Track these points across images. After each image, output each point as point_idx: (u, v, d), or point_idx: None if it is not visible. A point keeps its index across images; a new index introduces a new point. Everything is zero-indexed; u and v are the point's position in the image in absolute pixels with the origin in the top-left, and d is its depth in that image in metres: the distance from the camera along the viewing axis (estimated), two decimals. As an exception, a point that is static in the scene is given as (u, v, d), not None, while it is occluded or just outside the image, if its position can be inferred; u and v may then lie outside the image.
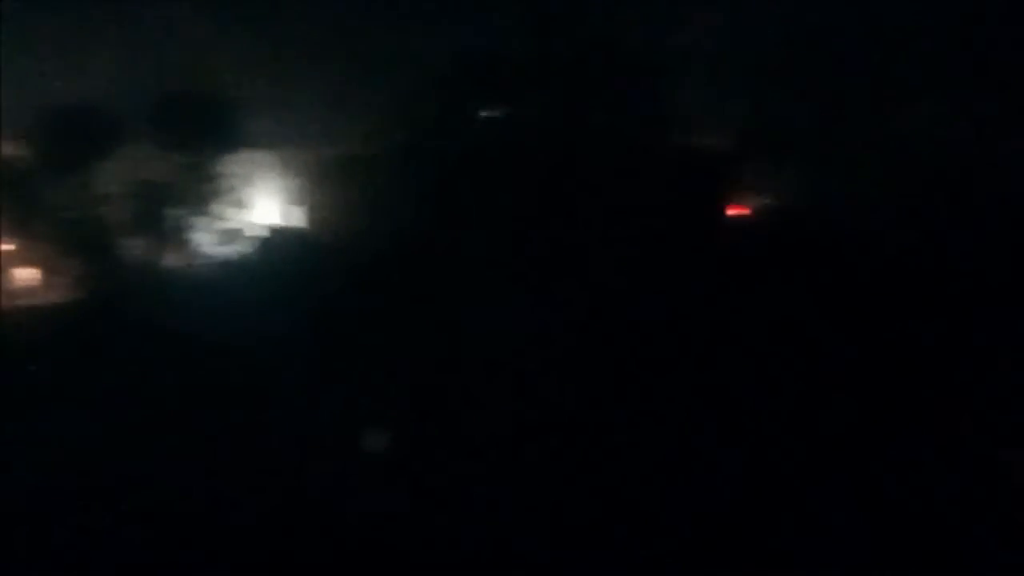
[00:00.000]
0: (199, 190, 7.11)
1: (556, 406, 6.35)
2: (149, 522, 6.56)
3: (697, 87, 6.43)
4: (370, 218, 6.71)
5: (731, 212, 6.29)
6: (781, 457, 6.43)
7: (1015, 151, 6.53)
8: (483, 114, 6.40)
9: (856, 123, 6.46)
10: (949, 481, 6.37)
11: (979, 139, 6.51)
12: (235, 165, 7.20)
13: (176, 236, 7.07)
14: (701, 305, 6.31)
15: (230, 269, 6.97)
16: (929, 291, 6.50)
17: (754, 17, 6.67)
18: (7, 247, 7.85)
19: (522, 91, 6.45)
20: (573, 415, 6.45)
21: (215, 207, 7.22)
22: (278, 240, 7.07)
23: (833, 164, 6.35)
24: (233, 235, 7.14)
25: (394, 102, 6.66)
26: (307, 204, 7.22)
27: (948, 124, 6.49)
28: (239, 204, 7.28)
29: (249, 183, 7.27)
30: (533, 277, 6.29)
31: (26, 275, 7.78)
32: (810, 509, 6.10)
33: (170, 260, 7.03)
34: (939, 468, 6.40)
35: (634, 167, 6.37)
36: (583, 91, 6.38)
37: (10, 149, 7.88)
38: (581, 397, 6.34)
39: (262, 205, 7.27)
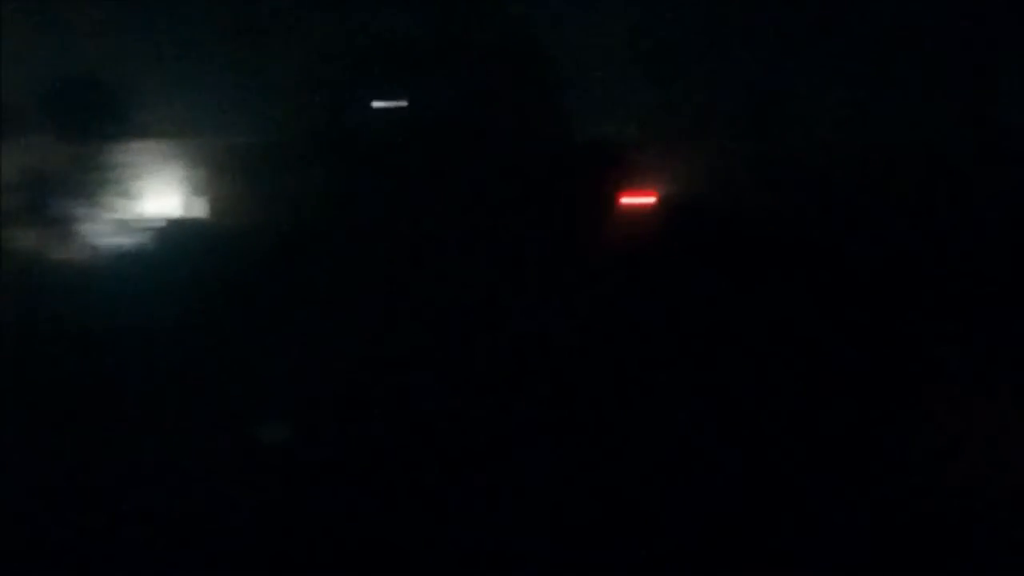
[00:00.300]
0: (89, 180, 6.63)
1: (457, 404, 6.04)
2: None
3: (595, 74, 6.15)
4: (267, 209, 6.35)
5: (626, 200, 6.02)
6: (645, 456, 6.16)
7: (908, 142, 6.31)
8: (382, 103, 5.99)
9: (753, 112, 6.24)
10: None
11: (874, 130, 6.29)
12: (126, 155, 6.75)
13: (67, 228, 6.60)
14: (598, 294, 6.01)
15: (123, 261, 6.56)
16: (831, 278, 6.19)
17: (652, 5, 6.40)
18: None
19: (424, 78, 6.09)
20: (477, 415, 6.13)
21: (107, 198, 6.77)
22: (171, 231, 6.66)
23: (729, 154, 6.11)
24: (125, 226, 6.73)
25: (292, 89, 6.31)
26: (202, 195, 6.82)
27: (848, 113, 6.30)
28: (131, 195, 6.84)
29: (141, 173, 6.83)
30: (435, 268, 5.94)
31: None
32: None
33: (60, 252, 6.59)
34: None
35: (535, 156, 6.07)
36: (484, 79, 6.07)
37: None
38: (485, 395, 6.02)
39: (155, 196, 6.86)
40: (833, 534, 5.71)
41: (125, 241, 6.43)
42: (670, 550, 5.77)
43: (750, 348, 5.97)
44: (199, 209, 6.57)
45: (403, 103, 6.15)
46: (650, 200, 6.01)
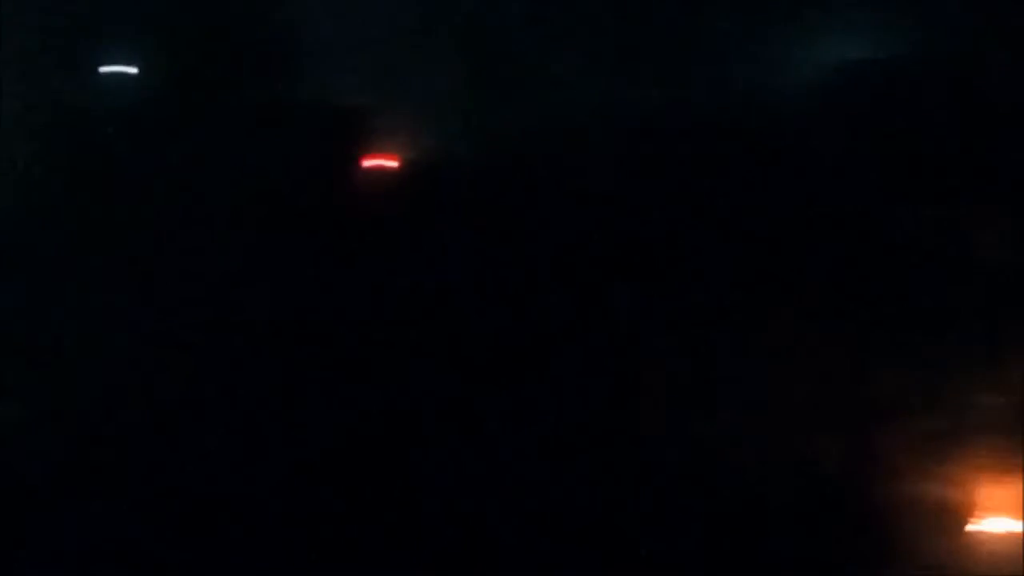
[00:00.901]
0: None
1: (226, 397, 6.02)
2: None
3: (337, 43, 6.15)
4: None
5: (369, 164, 6.10)
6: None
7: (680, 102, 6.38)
8: (108, 68, 5.95)
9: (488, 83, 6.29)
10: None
11: (631, 92, 6.34)
12: None
13: None
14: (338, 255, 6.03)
15: None
16: (567, 237, 6.26)
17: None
18: None
19: (150, 44, 6.04)
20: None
21: None
22: None
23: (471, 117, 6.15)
24: None
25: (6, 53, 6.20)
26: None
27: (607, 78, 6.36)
28: None
29: None
30: (173, 232, 5.92)
31: None
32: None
33: None
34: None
35: (272, 122, 6.07)
36: (218, 46, 6.03)
37: None
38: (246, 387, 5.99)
39: None
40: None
41: None
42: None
43: (487, 307, 6.03)
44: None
45: (135, 68, 6.04)
46: (392, 163, 6.08)
